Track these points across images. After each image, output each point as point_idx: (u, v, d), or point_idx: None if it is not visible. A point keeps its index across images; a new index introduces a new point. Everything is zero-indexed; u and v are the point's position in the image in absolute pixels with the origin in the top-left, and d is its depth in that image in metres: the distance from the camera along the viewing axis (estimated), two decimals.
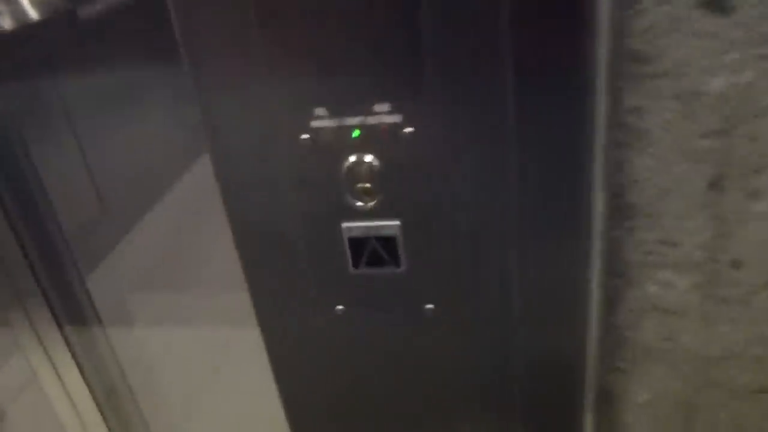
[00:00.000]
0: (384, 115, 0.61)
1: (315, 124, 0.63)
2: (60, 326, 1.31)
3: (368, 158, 0.64)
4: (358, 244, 0.69)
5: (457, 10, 0.56)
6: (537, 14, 0.56)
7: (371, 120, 0.62)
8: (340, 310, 0.74)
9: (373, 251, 0.69)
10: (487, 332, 0.73)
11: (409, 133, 0.62)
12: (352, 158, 0.64)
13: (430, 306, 0.72)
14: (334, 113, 0.62)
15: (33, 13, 1.07)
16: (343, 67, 0.60)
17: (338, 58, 0.59)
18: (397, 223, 0.67)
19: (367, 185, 0.65)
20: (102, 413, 1.47)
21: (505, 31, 0.56)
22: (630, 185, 0.59)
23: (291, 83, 0.61)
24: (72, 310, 1.34)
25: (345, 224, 0.68)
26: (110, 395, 1.51)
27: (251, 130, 0.65)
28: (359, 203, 0.66)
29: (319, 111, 0.62)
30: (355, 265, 0.70)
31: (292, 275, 0.73)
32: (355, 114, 0.62)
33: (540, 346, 0.72)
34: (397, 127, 0.62)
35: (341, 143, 0.63)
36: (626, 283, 0.64)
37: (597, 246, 0.63)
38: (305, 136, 0.63)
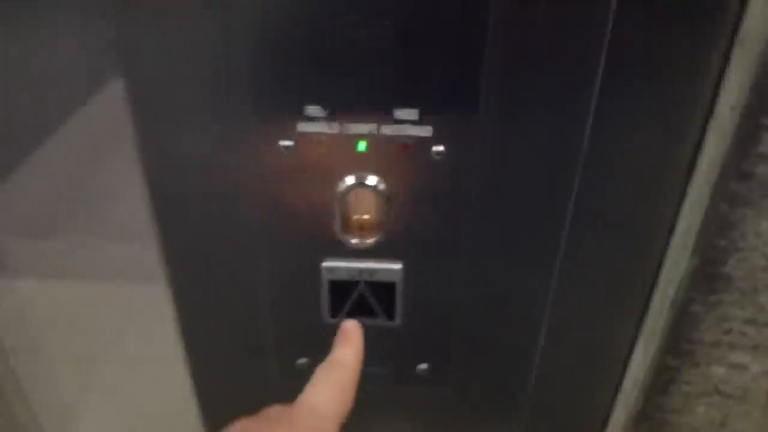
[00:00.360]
0: (408, 125, 0.42)
1: (303, 127, 0.42)
2: None
3: (372, 181, 0.44)
4: (341, 287, 0.50)
5: None
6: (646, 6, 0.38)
7: (387, 130, 0.42)
8: (303, 363, 0.55)
9: (360, 298, 0.51)
10: (492, 402, 0.58)
11: (439, 153, 0.43)
12: (351, 180, 0.44)
13: (423, 366, 0.55)
14: (332, 114, 0.42)
15: None
16: (353, 47, 0.39)
17: (348, 33, 0.39)
18: (398, 266, 0.49)
19: (367, 217, 0.46)
20: None
21: (603, 27, 0.38)
22: (732, 252, 0.43)
23: (271, 62, 0.40)
24: None
25: (327, 263, 0.49)
26: None
27: (204, 125, 0.43)
28: (353, 239, 0.47)
29: (312, 109, 0.42)
30: (334, 313, 0.52)
31: (242, 316, 0.53)
32: (364, 119, 0.42)
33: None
34: (423, 144, 0.43)
35: (338, 158, 0.44)
36: (689, 363, 0.50)
37: (660, 320, 0.48)
38: (287, 142, 0.43)
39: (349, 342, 0.45)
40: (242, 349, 0.56)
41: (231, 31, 0.39)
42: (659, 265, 0.48)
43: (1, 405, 1.16)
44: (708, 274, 0.45)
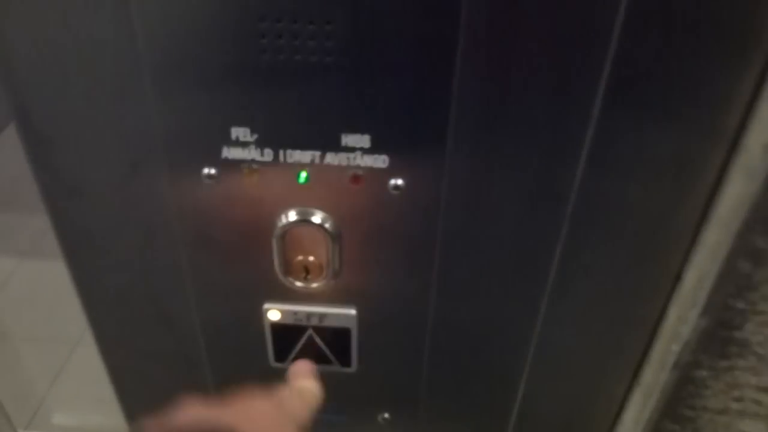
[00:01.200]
0: (359, 154, 0.34)
1: (229, 153, 0.34)
2: None
3: (317, 218, 0.36)
4: (287, 331, 0.42)
5: None
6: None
7: (333, 159, 0.34)
8: None
9: (310, 342, 0.43)
10: None
11: (397, 188, 0.35)
12: (292, 215, 0.36)
13: (385, 415, 0.48)
14: (265, 139, 0.34)
15: None
16: (290, 57, 0.31)
17: (283, 39, 0.30)
18: (352, 312, 0.41)
19: (311, 258, 0.38)
20: None
21: (604, 39, 0.30)
22: (751, 316, 0.35)
23: (186, 72, 0.32)
24: None
25: (269, 306, 0.41)
26: None
27: (115, 152, 0.35)
28: (297, 282, 0.39)
29: (239, 132, 0.33)
30: (280, 358, 0.44)
31: (177, 359, 0.46)
32: (306, 146, 0.34)
33: None
34: (378, 177, 0.34)
35: (274, 190, 0.35)
36: (689, 429, 0.42)
37: (660, 377, 0.40)
38: (210, 170, 0.35)
39: (305, 378, 0.38)
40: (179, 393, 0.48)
41: (135, 27, 0.31)
42: (662, 315, 0.41)
43: None
44: (720, 337, 0.37)
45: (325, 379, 0.45)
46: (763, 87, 0.30)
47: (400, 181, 0.34)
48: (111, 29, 0.31)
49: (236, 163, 0.34)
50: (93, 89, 0.33)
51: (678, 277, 0.39)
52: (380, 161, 0.34)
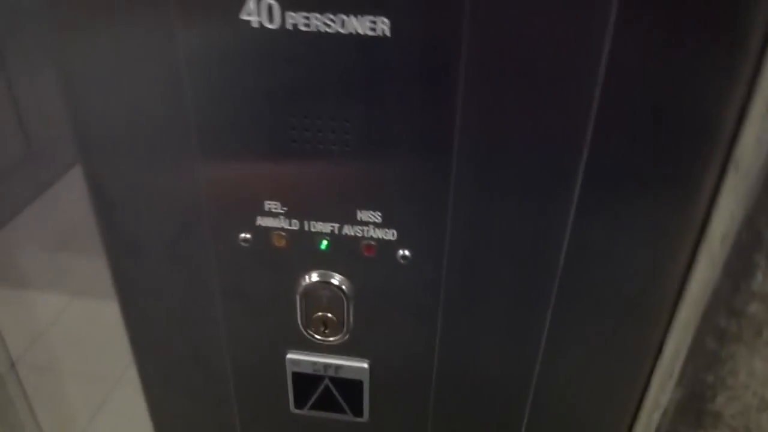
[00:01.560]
0: (371, 227, 0.39)
1: (262, 221, 0.40)
2: None
3: (336, 280, 0.42)
4: (307, 380, 0.48)
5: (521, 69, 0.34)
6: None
7: (350, 231, 0.40)
8: None
9: (326, 392, 0.48)
10: None
11: (404, 258, 0.40)
12: (314, 276, 0.42)
13: None
14: (293, 211, 0.40)
15: None
16: (315, 145, 0.37)
17: (310, 131, 0.37)
18: (365, 365, 0.46)
19: (329, 315, 0.43)
20: None
21: (581, 139, 0.35)
22: (721, 389, 0.39)
23: (231, 154, 0.38)
24: None
25: (291, 355, 0.46)
26: None
27: (167, 217, 0.42)
28: (316, 335, 0.44)
29: (271, 205, 0.40)
30: (299, 405, 0.49)
31: (208, 400, 0.51)
32: (327, 218, 0.40)
33: None
34: (388, 247, 0.40)
35: (299, 254, 0.41)
36: None
37: None
38: (245, 235, 0.41)
39: None
40: (209, 429, 0.53)
41: (192, 120, 0.38)
42: (647, 385, 0.44)
43: (12, 425, 1.17)
44: (695, 409, 0.40)
45: (338, 427, 0.50)
46: (721, 185, 0.35)
47: (407, 252, 0.40)
48: (169, 116, 0.37)
49: (268, 230, 0.40)
50: (151, 163, 0.39)
51: (660, 349, 0.43)
52: (390, 234, 0.39)
